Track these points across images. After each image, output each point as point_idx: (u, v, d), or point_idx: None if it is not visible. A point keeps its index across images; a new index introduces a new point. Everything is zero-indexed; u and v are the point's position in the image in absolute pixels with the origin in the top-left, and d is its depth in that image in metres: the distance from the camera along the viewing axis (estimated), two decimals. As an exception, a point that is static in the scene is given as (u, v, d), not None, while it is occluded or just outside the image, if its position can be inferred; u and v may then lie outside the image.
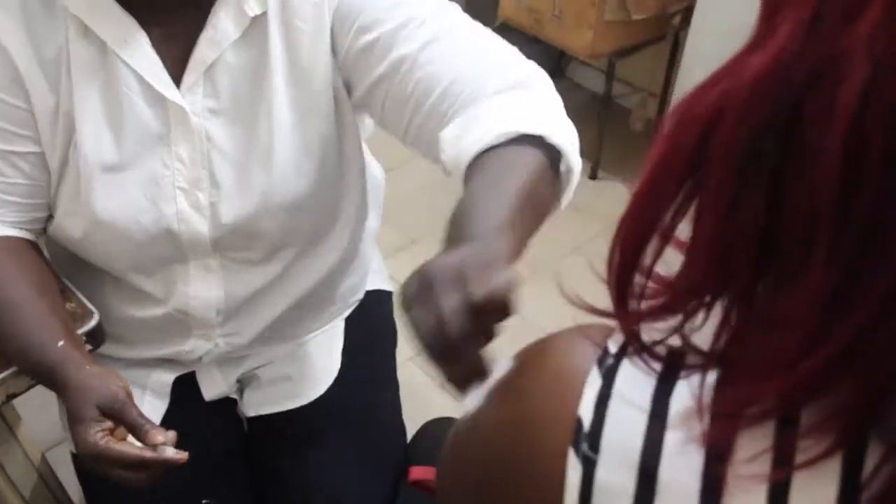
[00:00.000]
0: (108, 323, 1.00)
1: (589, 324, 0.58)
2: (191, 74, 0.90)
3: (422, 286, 0.56)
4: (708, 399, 0.47)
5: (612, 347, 0.53)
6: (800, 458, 0.44)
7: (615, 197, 2.53)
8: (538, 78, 0.87)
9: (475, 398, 0.58)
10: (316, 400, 1.17)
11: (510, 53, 0.89)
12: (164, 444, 0.81)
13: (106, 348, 1.04)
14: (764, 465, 0.44)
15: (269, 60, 0.90)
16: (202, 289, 1.02)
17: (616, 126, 2.67)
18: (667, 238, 0.50)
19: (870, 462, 0.43)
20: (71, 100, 0.88)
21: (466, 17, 0.91)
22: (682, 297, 0.50)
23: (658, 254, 0.51)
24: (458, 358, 0.56)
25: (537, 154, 0.76)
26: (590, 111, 2.74)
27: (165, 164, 0.92)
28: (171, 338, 1.08)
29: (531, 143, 0.76)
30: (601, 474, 0.48)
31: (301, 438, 1.16)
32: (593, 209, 2.45)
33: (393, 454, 1.17)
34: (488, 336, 0.57)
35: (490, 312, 0.56)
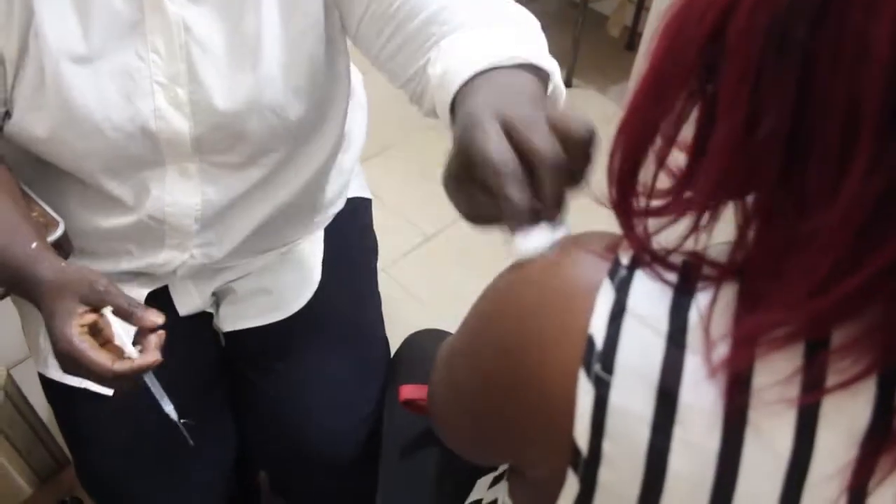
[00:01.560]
0: (73, 235, 0.94)
1: (585, 233, 0.53)
2: None
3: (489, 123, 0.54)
4: (728, 320, 0.43)
5: (624, 259, 0.48)
6: (832, 379, 0.41)
7: (590, 105, 2.48)
8: (525, 16, 0.83)
9: (534, 241, 0.52)
10: (295, 313, 1.13)
11: None
12: (158, 324, 0.78)
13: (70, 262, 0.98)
14: (792, 389, 0.41)
15: None
16: (179, 194, 0.95)
17: (592, 32, 2.60)
18: (671, 141, 0.46)
19: None
20: None
21: None
22: (688, 204, 0.45)
23: (662, 158, 0.46)
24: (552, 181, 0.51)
25: (534, 80, 0.70)
26: (565, 17, 2.67)
27: (140, 56, 0.85)
28: (144, 249, 1.01)
29: (525, 69, 0.71)
30: (616, 397, 0.45)
31: (280, 354, 1.12)
32: (568, 118, 2.39)
33: (377, 368, 1.14)
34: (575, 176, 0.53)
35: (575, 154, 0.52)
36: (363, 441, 1.10)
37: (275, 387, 1.10)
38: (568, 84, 2.51)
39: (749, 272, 0.44)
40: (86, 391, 1.01)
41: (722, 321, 0.43)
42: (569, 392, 0.46)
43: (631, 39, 2.71)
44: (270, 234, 1.08)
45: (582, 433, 0.46)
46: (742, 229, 0.44)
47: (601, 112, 2.44)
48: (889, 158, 0.35)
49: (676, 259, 0.48)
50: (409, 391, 0.93)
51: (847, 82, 0.35)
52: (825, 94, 0.36)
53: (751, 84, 0.38)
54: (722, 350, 0.42)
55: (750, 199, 0.43)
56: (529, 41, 0.77)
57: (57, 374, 1.02)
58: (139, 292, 1.06)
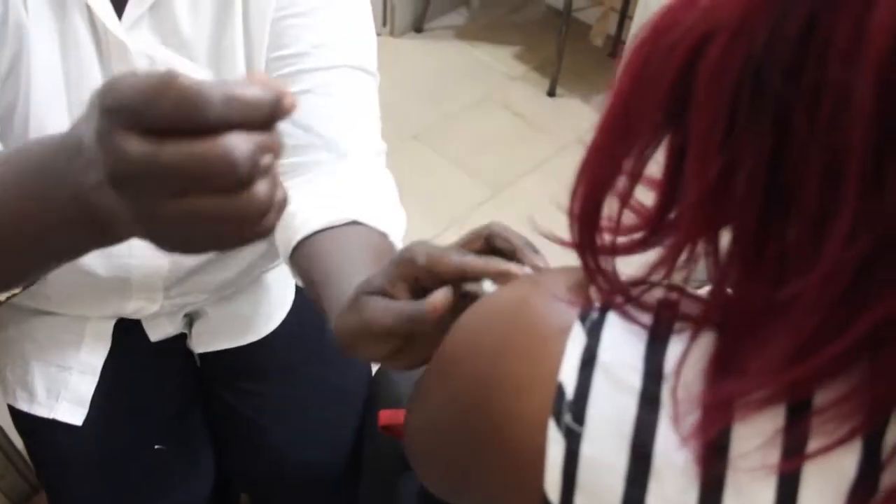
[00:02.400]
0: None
1: (562, 268, 0.51)
2: (134, 7, 0.77)
3: None
4: (703, 378, 0.41)
5: (597, 301, 0.46)
6: (816, 442, 0.38)
7: (573, 115, 2.46)
8: (380, 162, 0.88)
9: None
10: (270, 334, 1.11)
11: (371, 131, 0.88)
12: None
13: (38, 302, 0.97)
14: (773, 454, 0.39)
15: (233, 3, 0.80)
16: (147, 258, 0.91)
17: (575, 41, 2.58)
18: (635, 179, 0.43)
19: (889, 443, 0.38)
20: (24, 12, 0.73)
21: (363, 83, 0.88)
22: (664, 249, 0.43)
23: (626, 197, 0.44)
24: None
25: (370, 231, 0.78)
26: (549, 26, 2.65)
27: None
28: (111, 301, 0.98)
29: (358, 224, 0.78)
30: (588, 449, 0.42)
31: (256, 375, 1.10)
32: (551, 127, 2.39)
33: (357, 388, 1.12)
34: None
35: None
36: (344, 462, 1.08)
37: (252, 409, 1.08)
38: (552, 94, 2.49)
39: (724, 328, 0.41)
40: (56, 422, 0.98)
41: (696, 378, 0.41)
42: (538, 442, 0.43)
43: (614, 48, 2.70)
44: (243, 279, 1.07)
45: (553, 486, 0.44)
46: (718, 285, 0.41)
47: (585, 121, 2.43)
48: (874, 217, 0.32)
49: (652, 297, 0.45)
50: (387, 416, 0.91)
51: (827, 135, 0.32)
52: (804, 150, 0.33)
53: (723, 134, 0.35)
54: (694, 416, 0.40)
55: (724, 246, 0.41)
56: (361, 195, 0.82)
57: (25, 405, 0.99)
58: (107, 322, 1.03)
